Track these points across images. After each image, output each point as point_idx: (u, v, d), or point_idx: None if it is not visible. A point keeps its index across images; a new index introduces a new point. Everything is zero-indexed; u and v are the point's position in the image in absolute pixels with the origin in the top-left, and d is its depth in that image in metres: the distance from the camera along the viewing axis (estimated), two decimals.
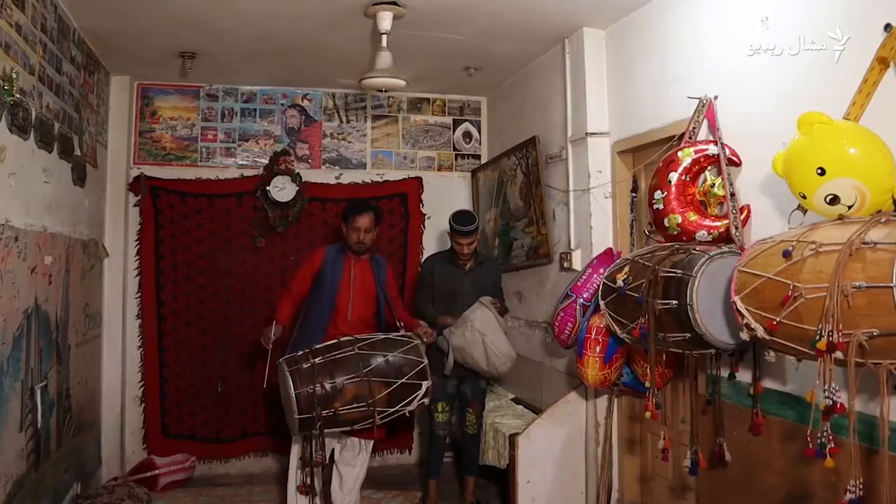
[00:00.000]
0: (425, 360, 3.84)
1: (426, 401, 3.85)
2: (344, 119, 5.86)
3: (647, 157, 3.86)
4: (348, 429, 3.90)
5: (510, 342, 4.51)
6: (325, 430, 3.74)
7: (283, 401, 3.75)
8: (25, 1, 3.29)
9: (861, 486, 2.08)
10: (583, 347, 3.58)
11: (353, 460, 4.26)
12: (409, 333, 4.05)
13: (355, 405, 3.68)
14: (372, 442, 4.28)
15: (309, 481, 3.91)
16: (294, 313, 4.32)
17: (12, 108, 3.10)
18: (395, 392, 3.74)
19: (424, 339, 4.12)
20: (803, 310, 2.15)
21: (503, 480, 4.50)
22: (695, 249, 2.94)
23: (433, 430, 4.66)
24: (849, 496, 2.08)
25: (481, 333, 4.36)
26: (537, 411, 4.55)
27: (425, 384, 3.79)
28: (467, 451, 4.70)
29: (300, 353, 3.78)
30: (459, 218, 4.58)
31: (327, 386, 3.63)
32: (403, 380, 3.74)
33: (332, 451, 4.28)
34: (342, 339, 3.86)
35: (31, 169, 3.41)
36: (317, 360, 3.69)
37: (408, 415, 3.86)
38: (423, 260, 5.29)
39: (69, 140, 4.03)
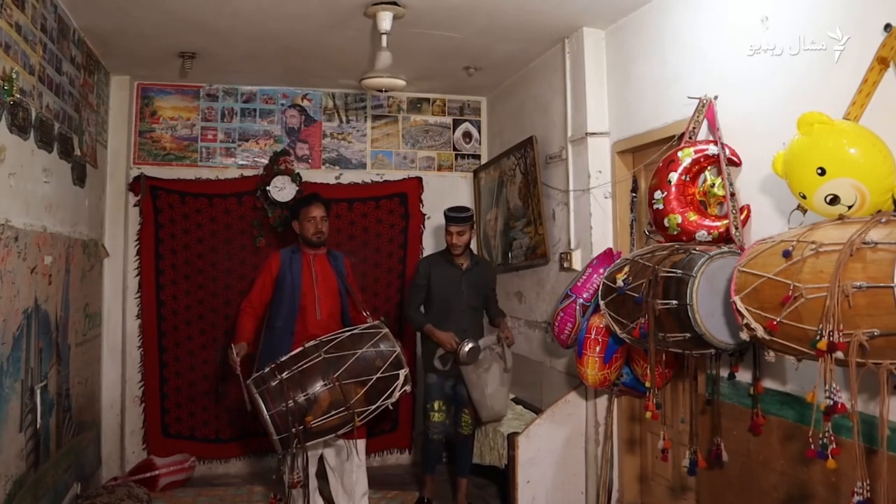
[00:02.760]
0: (397, 348, 3.74)
1: (408, 388, 3.75)
2: (344, 119, 5.86)
3: (647, 157, 3.87)
4: (332, 436, 3.80)
5: (507, 395, 4.65)
6: (308, 444, 3.64)
7: (261, 423, 3.62)
8: (25, 1, 3.29)
9: (868, 488, 2.08)
10: (583, 347, 3.58)
11: (347, 466, 4.18)
12: (375, 323, 3.93)
13: (333, 412, 3.58)
14: (363, 441, 4.24)
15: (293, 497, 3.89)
16: (257, 326, 4.17)
17: (12, 108, 3.09)
18: (373, 388, 3.64)
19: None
20: (803, 310, 2.15)
21: (503, 480, 4.50)
22: (695, 249, 2.94)
23: (428, 431, 4.55)
24: (856, 498, 2.08)
25: (488, 385, 4.42)
26: (537, 411, 4.55)
27: (402, 372, 3.68)
28: (461, 452, 4.68)
29: (266, 369, 3.64)
30: (453, 208, 4.61)
31: (300, 399, 3.51)
32: (378, 374, 3.64)
33: (322, 455, 4.26)
34: (307, 345, 3.73)
35: (31, 169, 3.41)
36: (284, 374, 3.56)
37: (391, 407, 3.79)
38: (419, 260, 5.16)
39: (69, 140, 4.02)
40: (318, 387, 3.53)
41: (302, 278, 4.19)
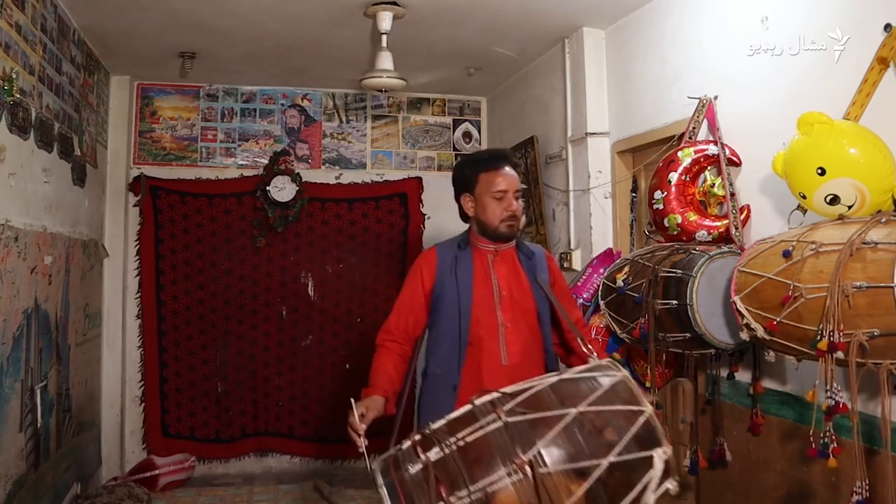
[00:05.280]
0: (646, 407, 1.83)
1: (671, 487, 1.78)
2: (344, 119, 5.86)
3: (647, 157, 3.86)
4: None
5: None
6: None
7: None
8: (25, 1, 3.29)
9: (867, 488, 2.08)
10: None
11: None
12: (601, 363, 2.05)
13: None
14: None
15: None
16: (402, 370, 2.64)
17: (12, 108, 3.10)
18: (602, 485, 1.79)
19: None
20: (803, 310, 2.15)
21: None
22: (695, 249, 2.94)
23: None
24: (855, 498, 2.08)
25: None
26: None
27: (658, 454, 1.78)
28: None
29: (406, 444, 1.93)
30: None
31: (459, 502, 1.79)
32: (611, 457, 1.75)
33: None
34: (477, 401, 1.92)
35: (31, 169, 3.41)
36: (432, 454, 1.85)
37: None
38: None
39: (69, 140, 4.02)
40: (493, 478, 1.78)
41: (473, 293, 2.63)
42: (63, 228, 3.94)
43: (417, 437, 1.93)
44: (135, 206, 5.37)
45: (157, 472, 5.08)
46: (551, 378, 1.93)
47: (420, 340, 2.75)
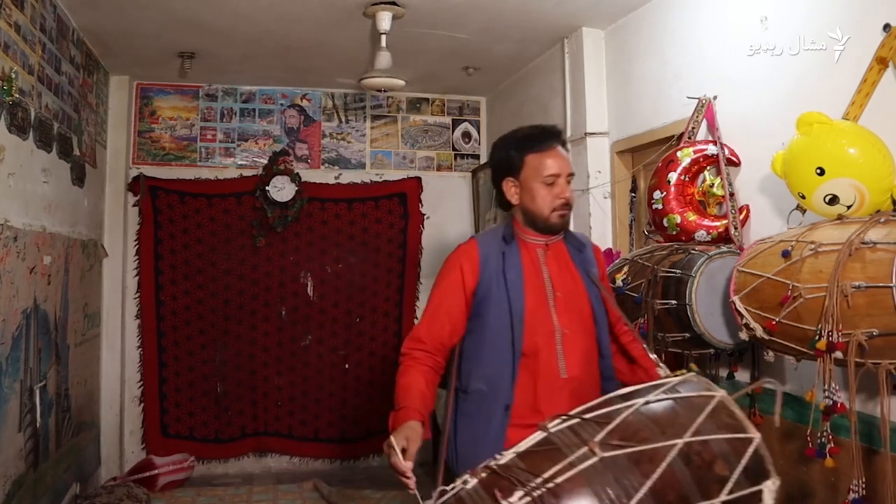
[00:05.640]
0: (753, 434, 1.60)
1: None
2: (343, 119, 5.86)
3: (647, 157, 3.86)
4: None
5: None
6: None
7: None
8: (24, 1, 3.29)
9: (864, 486, 2.08)
10: None
11: None
12: (686, 376, 1.73)
13: None
14: None
15: None
16: (436, 385, 2.25)
17: (11, 108, 3.09)
18: None
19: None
20: (802, 310, 2.15)
21: None
22: (694, 249, 2.94)
23: None
24: (852, 496, 2.08)
25: None
26: None
27: (769, 487, 1.61)
28: None
29: (468, 482, 1.51)
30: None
31: None
32: (723, 496, 1.47)
33: None
34: (554, 427, 1.55)
35: (30, 169, 3.40)
36: (515, 498, 1.39)
37: None
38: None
39: (68, 140, 4.02)
40: None
41: (525, 294, 2.23)
42: (62, 228, 3.94)
43: (483, 473, 1.50)
44: (134, 206, 5.37)
45: (156, 472, 5.08)
46: (636, 399, 1.56)
47: (452, 352, 2.30)
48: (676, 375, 1.73)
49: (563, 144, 2.34)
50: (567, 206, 2.28)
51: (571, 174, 2.31)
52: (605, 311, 2.33)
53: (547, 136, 2.30)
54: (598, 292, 2.32)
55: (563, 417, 1.56)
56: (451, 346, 2.28)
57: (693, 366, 2.83)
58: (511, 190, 2.32)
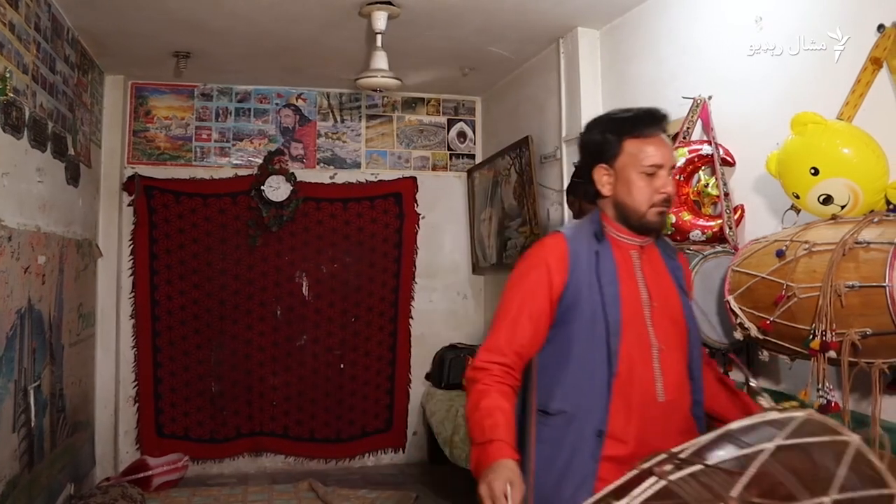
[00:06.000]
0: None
1: None
2: (338, 119, 5.85)
3: None
4: None
5: None
6: None
7: None
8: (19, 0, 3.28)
9: None
10: None
11: None
12: (809, 413, 1.40)
13: None
14: None
15: None
16: (515, 404, 1.90)
17: (5, 108, 3.09)
18: None
19: None
20: (797, 309, 2.16)
21: None
22: (688, 249, 2.95)
23: None
24: None
25: None
26: None
27: None
28: None
29: None
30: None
31: None
32: None
33: None
34: (672, 475, 1.21)
35: (25, 168, 3.40)
36: None
37: None
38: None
39: (63, 139, 4.01)
40: None
41: (620, 301, 1.94)
42: (57, 228, 3.93)
43: None
44: (129, 205, 5.36)
45: (150, 472, 5.05)
46: (758, 439, 1.27)
47: (528, 362, 1.96)
48: (783, 408, 1.50)
49: (666, 132, 2.06)
50: (667, 202, 1.97)
51: (674, 166, 2.00)
52: (697, 326, 2.10)
53: (651, 120, 2.02)
54: (690, 305, 2.07)
55: (679, 460, 1.24)
56: (529, 359, 1.95)
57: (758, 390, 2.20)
58: (603, 179, 2.01)
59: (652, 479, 1.22)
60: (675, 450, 1.28)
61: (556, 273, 1.94)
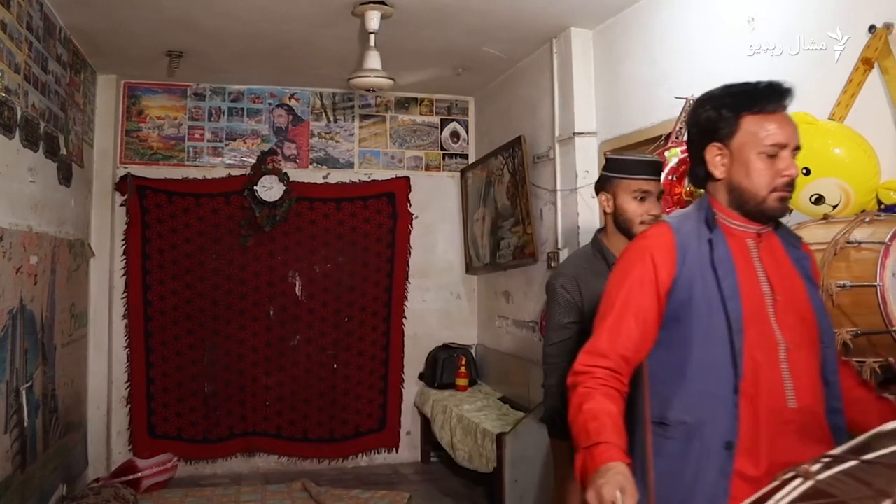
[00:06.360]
0: None
1: None
2: (331, 118, 5.85)
3: None
4: None
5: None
6: None
7: None
8: None
9: None
10: None
11: None
12: None
13: None
14: None
15: None
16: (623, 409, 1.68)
17: None
18: None
19: None
20: None
21: (491, 481, 4.51)
22: None
23: None
24: None
25: None
26: (525, 410, 4.56)
27: None
28: None
29: None
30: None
31: None
32: None
33: None
34: (813, 469, 1.05)
35: (17, 168, 3.38)
36: None
37: None
38: (553, 275, 3.03)
39: (55, 139, 4.00)
40: None
41: (741, 296, 1.72)
42: (49, 228, 3.92)
43: None
44: (121, 205, 5.35)
45: (139, 474, 5.00)
46: None
47: (638, 367, 1.76)
48: None
49: (788, 107, 1.77)
50: (791, 185, 1.73)
51: (798, 148, 1.75)
52: (830, 322, 1.82)
53: (772, 94, 1.73)
54: (820, 299, 1.84)
55: (829, 457, 1.09)
56: (637, 364, 1.75)
57: None
58: (716, 160, 1.77)
59: (797, 482, 1.07)
60: (833, 452, 1.11)
61: (662, 267, 1.74)
